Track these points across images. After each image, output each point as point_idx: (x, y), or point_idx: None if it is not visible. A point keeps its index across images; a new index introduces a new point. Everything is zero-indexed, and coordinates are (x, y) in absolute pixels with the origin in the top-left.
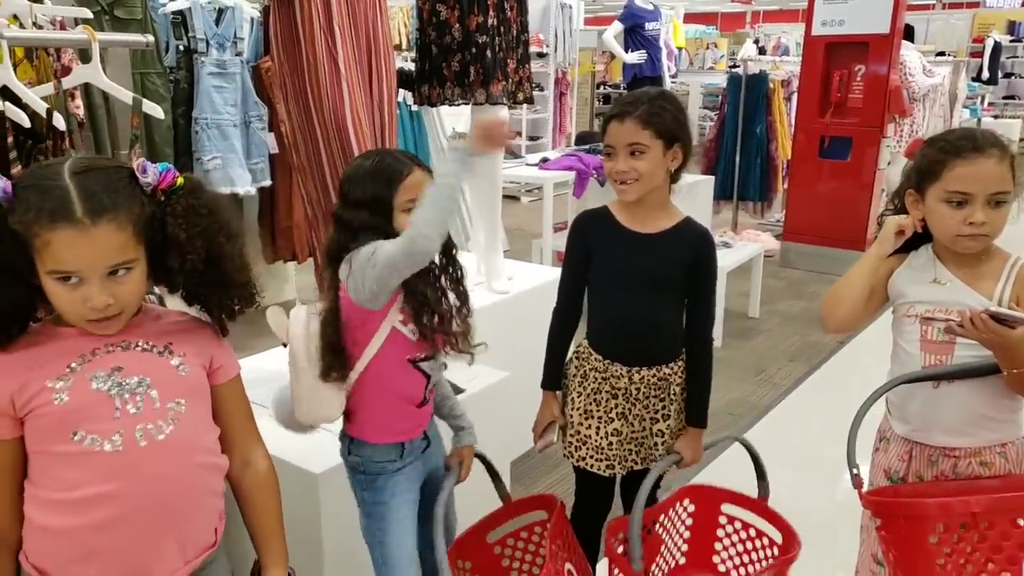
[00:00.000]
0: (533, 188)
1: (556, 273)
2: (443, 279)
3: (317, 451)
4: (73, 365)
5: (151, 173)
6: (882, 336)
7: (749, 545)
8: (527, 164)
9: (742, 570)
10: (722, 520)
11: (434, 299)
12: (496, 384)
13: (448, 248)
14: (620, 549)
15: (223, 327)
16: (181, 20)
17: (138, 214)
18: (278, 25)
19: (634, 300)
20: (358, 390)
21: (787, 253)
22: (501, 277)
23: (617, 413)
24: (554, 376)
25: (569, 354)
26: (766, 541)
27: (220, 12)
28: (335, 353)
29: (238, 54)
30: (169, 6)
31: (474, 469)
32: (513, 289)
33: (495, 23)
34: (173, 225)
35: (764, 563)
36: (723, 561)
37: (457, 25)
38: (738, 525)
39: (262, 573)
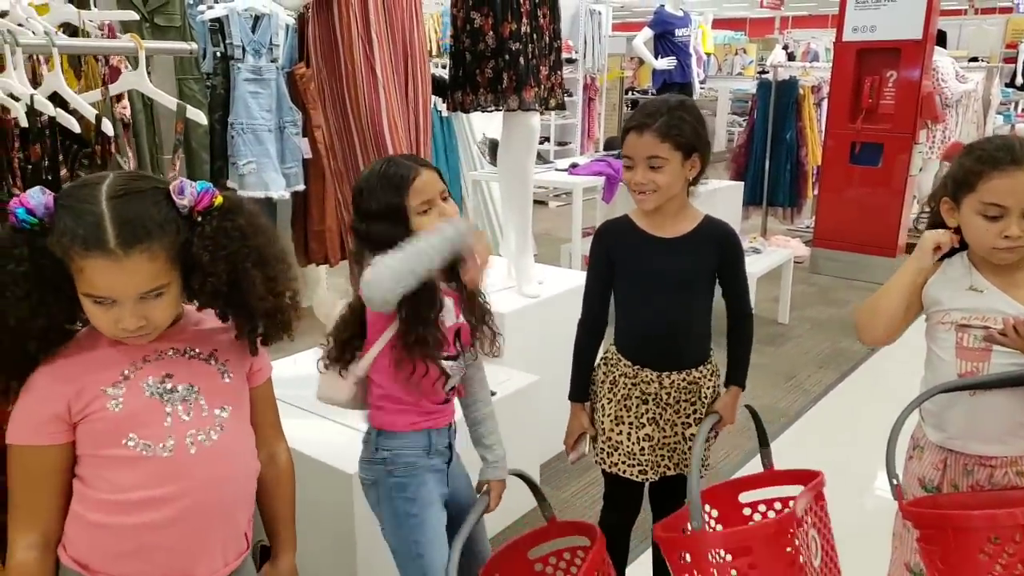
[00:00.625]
0: (561, 193)
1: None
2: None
3: (351, 452)
4: (126, 372)
5: (188, 195)
6: (912, 344)
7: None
8: (556, 169)
9: None
10: (746, 511)
11: (423, 326)
12: (526, 388)
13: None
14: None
15: (253, 348)
16: (219, 27)
17: (171, 240)
18: (317, 32)
19: (661, 304)
20: (376, 381)
21: (817, 259)
22: (532, 281)
23: (648, 419)
24: (582, 387)
25: (597, 361)
26: (778, 506)
27: (256, 19)
28: (340, 345)
29: (273, 60)
30: (207, 13)
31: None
32: (544, 293)
33: (528, 30)
34: (198, 247)
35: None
36: None
37: (491, 32)
38: (762, 507)
39: (276, 557)
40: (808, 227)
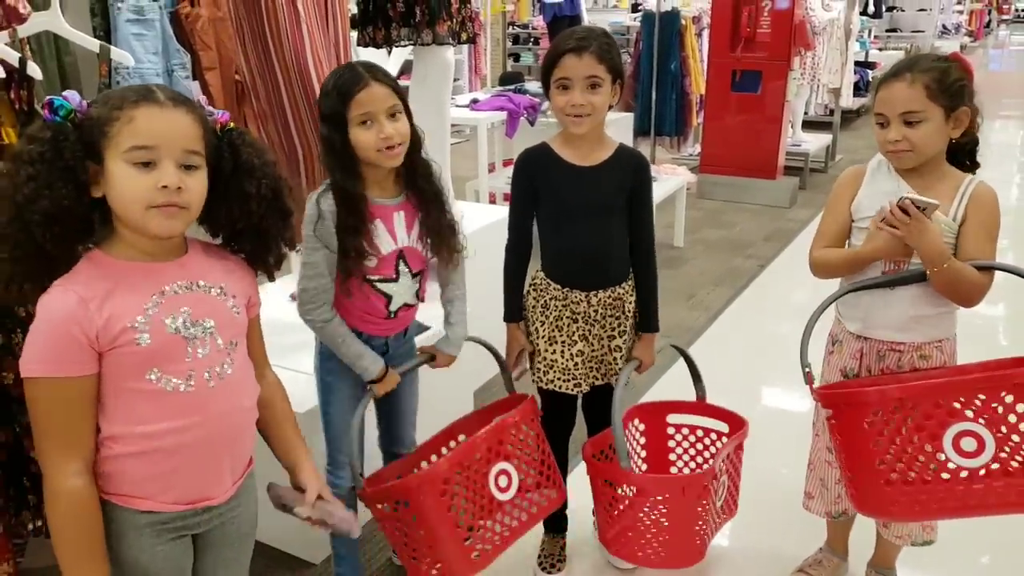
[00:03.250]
0: (458, 130)
1: (503, 211)
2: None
3: (306, 396)
4: (147, 307)
5: (211, 108)
6: (795, 259)
7: (700, 446)
8: (457, 106)
9: (699, 469)
10: (670, 431)
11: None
12: None
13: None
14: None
15: (271, 274)
16: None
17: (207, 126)
18: None
19: (585, 229)
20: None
21: (704, 185)
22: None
23: (579, 335)
24: (515, 308)
25: (526, 287)
26: (714, 436)
27: None
28: None
29: None
30: None
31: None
32: (465, 228)
33: None
34: (247, 153)
35: (707, 453)
36: (680, 466)
37: None
38: (685, 431)
39: (297, 468)
40: (692, 155)
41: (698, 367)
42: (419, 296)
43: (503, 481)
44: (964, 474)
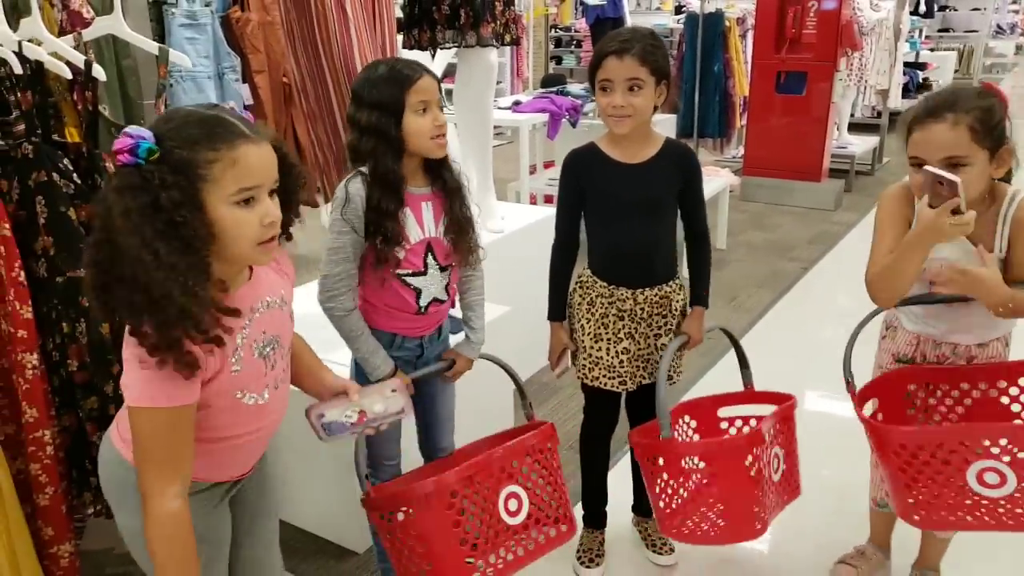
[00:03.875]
0: (500, 132)
1: (545, 212)
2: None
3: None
4: (238, 340)
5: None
6: (840, 262)
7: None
8: (499, 108)
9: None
10: (723, 425)
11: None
12: (497, 319)
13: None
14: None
15: (289, 234)
16: None
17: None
18: None
19: (633, 226)
20: (363, 290)
21: (747, 187)
22: (495, 216)
23: (625, 333)
24: (560, 307)
25: (572, 284)
26: (754, 423)
27: None
28: None
29: (207, 4)
30: None
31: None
32: (506, 228)
33: None
34: (287, 156)
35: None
36: None
37: None
38: (739, 423)
39: (325, 383)
40: (736, 157)
41: (745, 353)
42: (448, 291)
43: (512, 504)
44: (986, 501)
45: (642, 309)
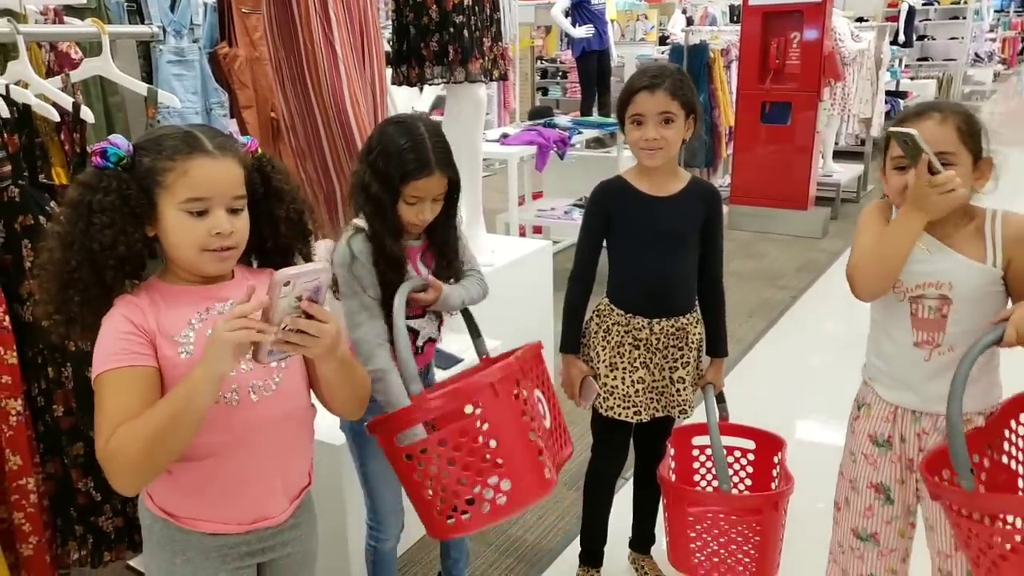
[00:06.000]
0: (488, 163)
1: (535, 244)
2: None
3: (338, 427)
4: (193, 322)
5: (241, 139)
6: (828, 290)
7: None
8: (487, 140)
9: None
10: (695, 452)
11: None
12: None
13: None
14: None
15: None
16: (136, 8)
17: (246, 164)
18: (274, 12)
19: (656, 256)
20: None
21: (734, 216)
22: (484, 251)
23: (640, 363)
24: (575, 339)
25: (588, 314)
26: (738, 454)
27: None
28: None
29: (195, 41)
30: None
31: None
32: (496, 262)
33: (470, 3)
34: (277, 180)
35: (742, 472)
36: (704, 485)
37: (435, 6)
38: (709, 452)
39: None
40: (722, 186)
41: (723, 390)
42: (439, 329)
43: (541, 408)
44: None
45: (657, 339)
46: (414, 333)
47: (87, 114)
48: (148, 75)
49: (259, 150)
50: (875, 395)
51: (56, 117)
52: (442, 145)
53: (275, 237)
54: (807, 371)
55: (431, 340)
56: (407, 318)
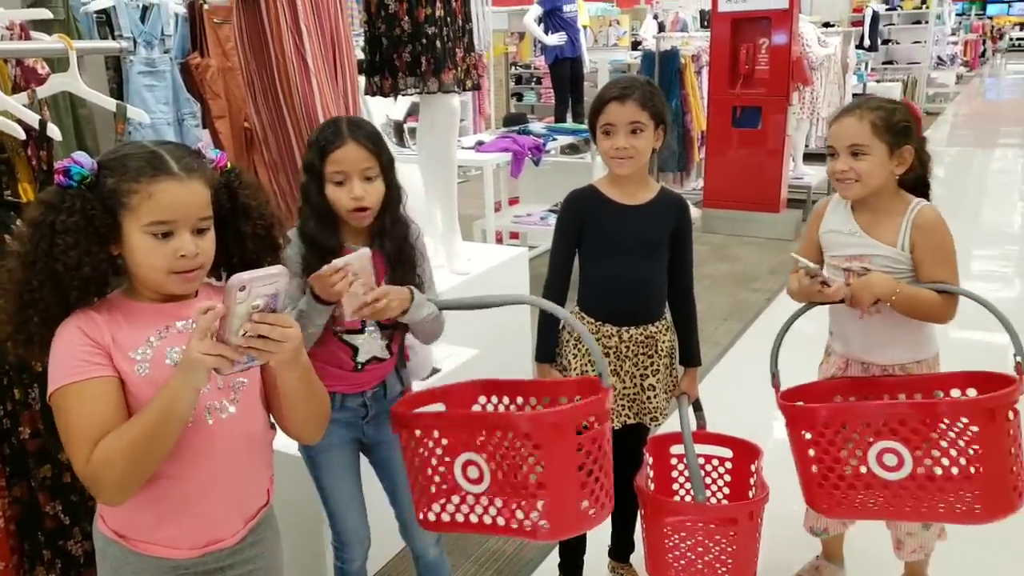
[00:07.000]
0: (463, 170)
1: (511, 252)
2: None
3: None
4: (152, 339)
5: (209, 153)
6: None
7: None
8: (462, 147)
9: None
10: (672, 461)
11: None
12: (468, 362)
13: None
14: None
15: None
16: (106, 19)
17: (212, 181)
18: (244, 25)
19: (627, 263)
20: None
21: (708, 219)
22: (461, 258)
23: (611, 371)
24: (550, 348)
25: (560, 323)
26: (716, 462)
27: (145, 9)
28: None
29: (165, 51)
30: (92, 4)
31: None
32: (473, 270)
33: (442, 14)
34: (244, 196)
35: (720, 480)
36: (683, 494)
37: (406, 17)
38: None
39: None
40: (695, 190)
41: (699, 398)
42: (391, 350)
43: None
44: (886, 485)
45: (627, 347)
46: (351, 349)
47: (54, 131)
48: (119, 86)
49: (228, 164)
50: (832, 347)
51: (22, 135)
52: (358, 124)
53: (241, 253)
54: (784, 372)
55: (376, 360)
56: (342, 332)
